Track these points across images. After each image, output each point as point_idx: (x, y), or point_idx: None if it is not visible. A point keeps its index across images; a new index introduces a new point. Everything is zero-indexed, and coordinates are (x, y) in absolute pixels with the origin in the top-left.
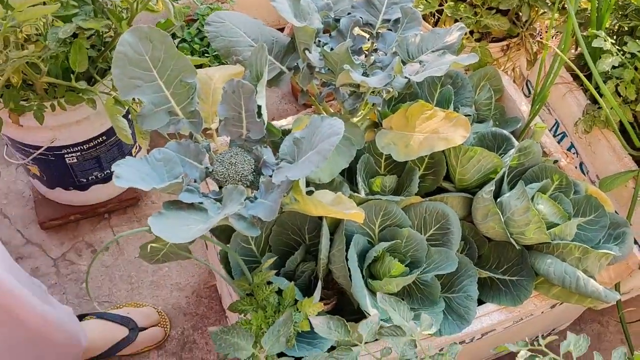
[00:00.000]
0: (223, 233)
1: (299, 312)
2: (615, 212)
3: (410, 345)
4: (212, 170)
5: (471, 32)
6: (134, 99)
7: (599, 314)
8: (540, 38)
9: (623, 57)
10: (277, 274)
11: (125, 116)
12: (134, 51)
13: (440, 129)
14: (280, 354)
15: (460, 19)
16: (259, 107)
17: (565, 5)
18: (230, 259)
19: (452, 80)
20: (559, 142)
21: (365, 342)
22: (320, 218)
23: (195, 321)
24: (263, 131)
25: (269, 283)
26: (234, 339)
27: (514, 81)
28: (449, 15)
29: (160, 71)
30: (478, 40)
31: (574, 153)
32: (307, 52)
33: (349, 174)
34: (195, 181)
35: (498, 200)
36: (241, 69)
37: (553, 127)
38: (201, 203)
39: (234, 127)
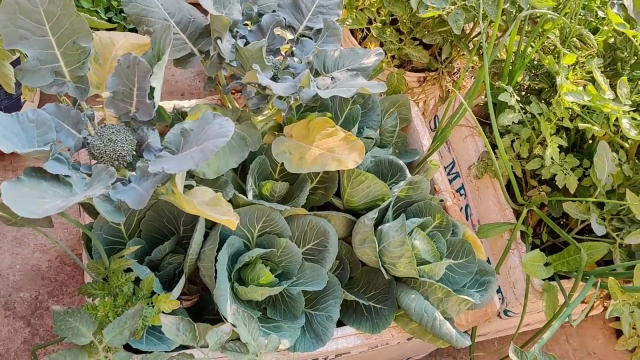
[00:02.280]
0: (93, 206)
1: (153, 306)
2: (488, 259)
3: None
4: (90, 143)
5: (392, 57)
6: None
7: (455, 349)
8: (457, 77)
9: (524, 116)
10: (142, 262)
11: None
12: (28, 0)
13: (336, 148)
14: (126, 345)
15: (385, 42)
16: (153, 88)
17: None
18: (92, 238)
19: (364, 100)
20: (451, 181)
21: (212, 350)
22: None
23: (53, 287)
24: (152, 114)
25: (128, 270)
26: (76, 323)
27: (423, 113)
28: (375, 36)
29: (54, 28)
30: (398, 66)
31: (462, 194)
32: (218, 41)
33: (242, 172)
34: (69, 150)
35: (379, 228)
36: (149, 41)
37: (449, 165)
38: (67, 176)
39: (122, 102)
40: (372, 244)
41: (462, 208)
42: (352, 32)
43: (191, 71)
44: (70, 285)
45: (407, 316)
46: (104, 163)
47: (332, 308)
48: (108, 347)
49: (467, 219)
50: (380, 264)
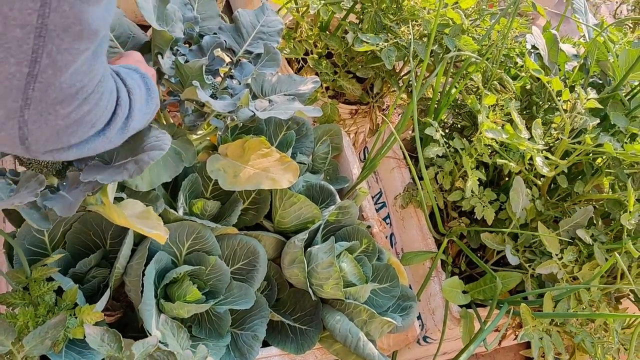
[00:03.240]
0: (17, 214)
1: (76, 317)
2: (410, 286)
3: None
4: None
5: (327, 88)
6: None
7: None
8: (386, 113)
9: (448, 150)
10: (65, 274)
11: None
12: None
13: (271, 168)
14: (43, 357)
15: (320, 73)
16: None
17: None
18: (14, 245)
19: (298, 127)
20: (378, 210)
21: None
22: None
23: None
24: None
25: (50, 280)
26: None
27: (354, 144)
28: (311, 67)
29: None
30: (331, 97)
31: (388, 223)
32: (159, 56)
33: (173, 189)
34: None
35: (308, 250)
36: None
37: (377, 194)
38: None
39: None
40: (301, 264)
41: (387, 236)
42: (289, 62)
43: None
44: None
45: (331, 337)
46: (32, 170)
47: (258, 327)
48: (27, 357)
49: (391, 247)
50: (308, 284)
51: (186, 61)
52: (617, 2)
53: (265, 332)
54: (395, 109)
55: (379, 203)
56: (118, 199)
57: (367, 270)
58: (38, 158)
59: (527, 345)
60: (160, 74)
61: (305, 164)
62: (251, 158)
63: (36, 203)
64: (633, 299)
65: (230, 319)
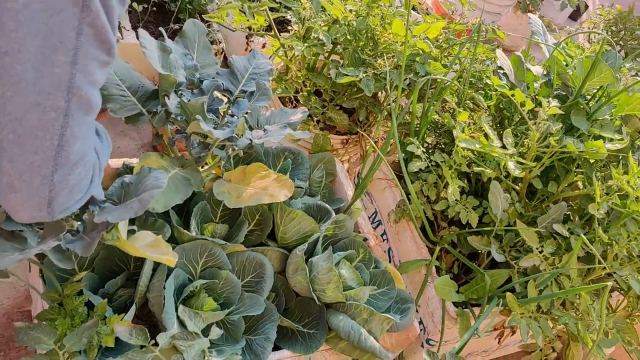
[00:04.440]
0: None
1: (107, 326)
2: (409, 293)
3: (200, 357)
4: None
5: (317, 121)
6: None
7: None
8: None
9: (430, 164)
10: (95, 294)
11: None
12: None
13: (269, 187)
14: None
15: (310, 108)
16: None
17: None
18: (45, 271)
19: (294, 156)
20: (375, 228)
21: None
22: None
23: (1, 343)
24: None
25: (80, 294)
26: (37, 334)
27: (348, 170)
28: (302, 103)
29: None
30: (322, 129)
31: (385, 239)
32: (166, 98)
33: (186, 216)
34: None
35: (309, 260)
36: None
37: (373, 214)
38: (21, 231)
39: None
40: (303, 271)
41: (385, 251)
42: (283, 102)
43: (135, 143)
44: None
45: (337, 337)
46: None
47: (269, 330)
48: (67, 353)
49: (390, 261)
50: (311, 290)
51: (189, 100)
52: (589, 28)
53: (275, 333)
54: (382, 136)
55: (375, 222)
56: (131, 232)
57: (365, 276)
58: (53, 219)
59: None
60: (167, 114)
61: (303, 187)
62: (251, 180)
63: (60, 247)
64: (619, 288)
65: (244, 326)
